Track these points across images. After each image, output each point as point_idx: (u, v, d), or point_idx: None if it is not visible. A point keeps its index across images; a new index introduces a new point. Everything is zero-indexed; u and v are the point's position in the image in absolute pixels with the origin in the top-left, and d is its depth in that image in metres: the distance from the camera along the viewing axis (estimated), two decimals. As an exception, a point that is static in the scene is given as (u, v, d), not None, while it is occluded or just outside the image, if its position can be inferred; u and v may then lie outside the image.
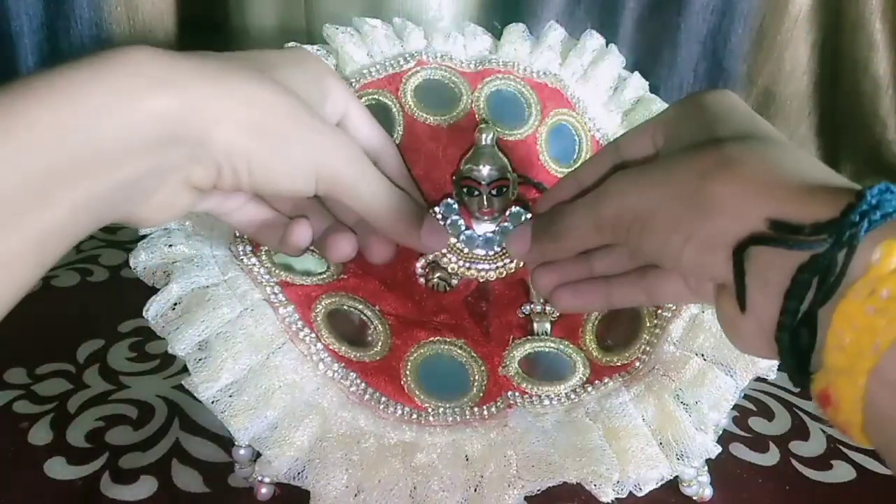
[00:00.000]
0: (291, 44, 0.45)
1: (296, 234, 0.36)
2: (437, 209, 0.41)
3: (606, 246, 0.33)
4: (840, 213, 0.22)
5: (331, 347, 0.38)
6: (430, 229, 0.37)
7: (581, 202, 0.32)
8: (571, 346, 0.41)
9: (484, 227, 0.41)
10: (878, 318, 0.20)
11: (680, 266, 0.28)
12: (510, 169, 0.40)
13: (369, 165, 0.35)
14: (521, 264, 0.41)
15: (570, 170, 0.46)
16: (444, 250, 0.41)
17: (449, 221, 0.41)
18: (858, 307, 0.21)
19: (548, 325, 0.42)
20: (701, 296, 0.31)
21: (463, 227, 0.41)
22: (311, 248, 0.40)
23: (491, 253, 0.41)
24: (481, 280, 0.42)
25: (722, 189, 0.26)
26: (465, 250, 0.41)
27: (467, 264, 0.41)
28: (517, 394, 0.39)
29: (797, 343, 0.23)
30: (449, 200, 0.40)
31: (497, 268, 0.41)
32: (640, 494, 0.35)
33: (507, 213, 0.41)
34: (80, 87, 0.26)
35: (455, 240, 0.41)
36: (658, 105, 0.49)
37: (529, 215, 0.41)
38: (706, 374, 0.36)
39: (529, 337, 0.42)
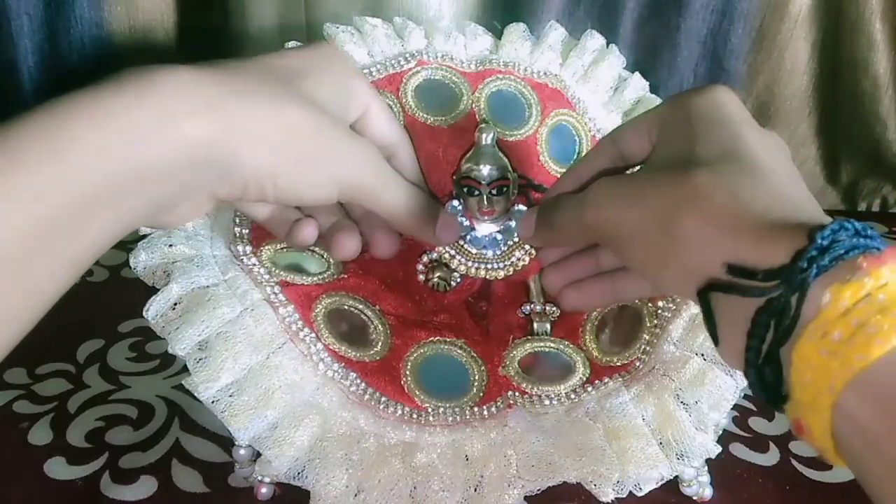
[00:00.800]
0: (291, 43, 0.45)
1: (302, 232, 0.37)
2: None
3: None
4: (791, 258, 0.23)
5: (331, 347, 0.38)
6: (444, 224, 0.39)
7: (569, 202, 0.33)
8: (571, 346, 0.41)
9: (484, 228, 0.41)
10: (830, 359, 0.21)
11: (658, 288, 0.29)
12: (510, 169, 0.40)
13: (389, 171, 0.36)
14: (528, 262, 0.41)
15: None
16: (453, 252, 0.41)
17: (466, 236, 0.41)
18: (813, 349, 0.22)
19: (548, 325, 0.42)
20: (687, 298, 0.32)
21: (470, 229, 0.41)
22: (313, 248, 0.40)
23: (498, 252, 0.42)
24: (490, 279, 0.42)
25: (690, 224, 0.26)
26: (473, 251, 0.42)
27: (476, 264, 0.42)
28: (517, 394, 0.39)
29: (763, 378, 0.24)
30: (454, 202, 0.40)
31: (505, 266, 0.42)
32: (640, 494, 0.34)
33: (512, 210, 0.41)
34: (126, 109, 0.26)
35: (462, 241, 0.41)
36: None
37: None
38: (706, 374, 0.36)
39: (529, 337, 0.42)
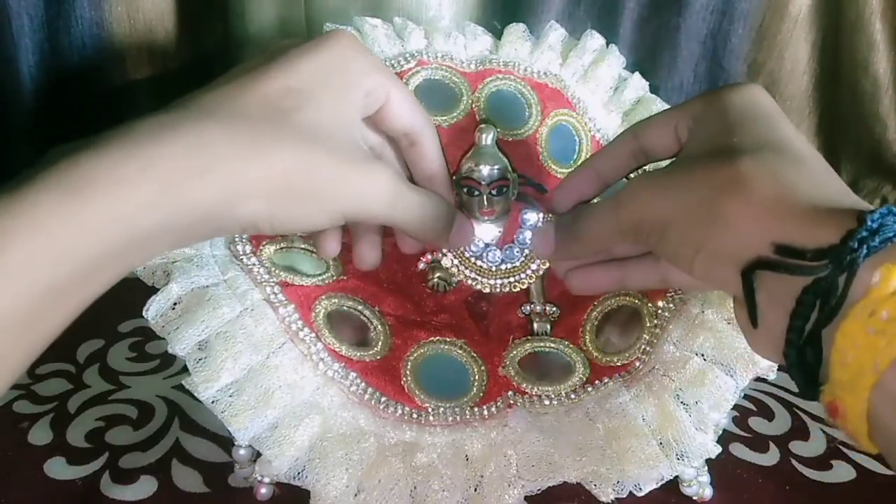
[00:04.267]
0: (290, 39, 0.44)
1: (324, 248, 0.37)
2: None
3: None
4: (841, 238, 0.24)
5: (331, 347, 0.38)
6: (459, 229, 0.38)
7: (601, 206, 0.33)
8: (571, 346, 0.41)
9: (484, 228, 0.41)
10: (878, 338, 0.22)
11: (692, 273, 0.29)
12: (510, 169, 0.40)
13: (398, 191, 0.34)
14: (542, 273, 0.41)
15: (570, 170, 0.46)
16: (474, 275, 0.41)
17: (470, 245, 0.41)
18: (860, 327, 0.22)
19: (548, 325, 0.42)
20: (714, 287, 0.32)
21: (482, 246, 0.41)
22: (312, 248, 0.40)
23: (517, 264, 0.41)
24: (515, 291, 0.41)
25: (733, 207, 0.27)
26: (493, 268, 0.41)
27: (500, 281, 0.41)
28: (517, 394, 0.39)
29: (804, 359, 0.24)
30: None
31: (524, 277, 0.41)
32: (640, 494, 0.35)
33: (521, 218, 0.40)
34: (136, 175, 0.26)
35: (481, 262, 0.41)
36: (658, 105, 0.49)
37: (544, 216, 0.40)
38: (706, 374, 0.36)
39: (529, 337, 0.42)
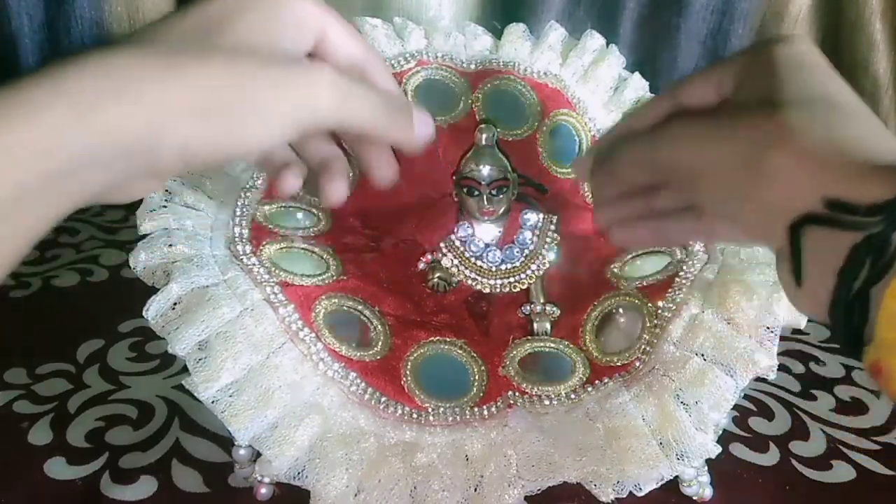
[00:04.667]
0: None
1: (283, 184, 0.34)
2: (454, 236, 0.41)
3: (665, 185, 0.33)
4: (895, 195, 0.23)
5: (331, 347, 0.38)
6: (420, 121, 0.35)
7: (640, 139, 0.32)
8: (571, 346, 0.41)
9: (484, 228, 0.41)
10: None
11: (738, 225, 0.28)
12: (510, 169, 0.40)
13: (348, 85, 0.32)
14: (542, 273, 0.41)
15: (569, 170, 0.46)
16: (473, 275, 0.41)
17: (469, 244, 0.41)
18: None
19: (548, 325, 0.42)
20: (758, 241, 0.31)
21: (483, 246, 0.41)
22: (312, 249, 0.40)
23: (517, 264, 0.41)
24: (515, 292, 0.41)
25: (781, 161, 0.26)
26: (493, 268, 0.41)
27: (499, 281, 0.41)
28: (517, 394, 0.39)
29: (850, 318, 0.24)
30: (465, 224, 0.40)
31: (524, 277, 0.41)
32: (640, 494, 0.34)
33: (521, 218, 0.40)
34: (46, 98, 0.25)
35: (480, 262, 0.41)
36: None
37: (544, 216, 0.40)
38: (706, 374, 0.36)
39: (529, 337, 0.42)
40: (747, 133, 0.28)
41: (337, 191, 0.34)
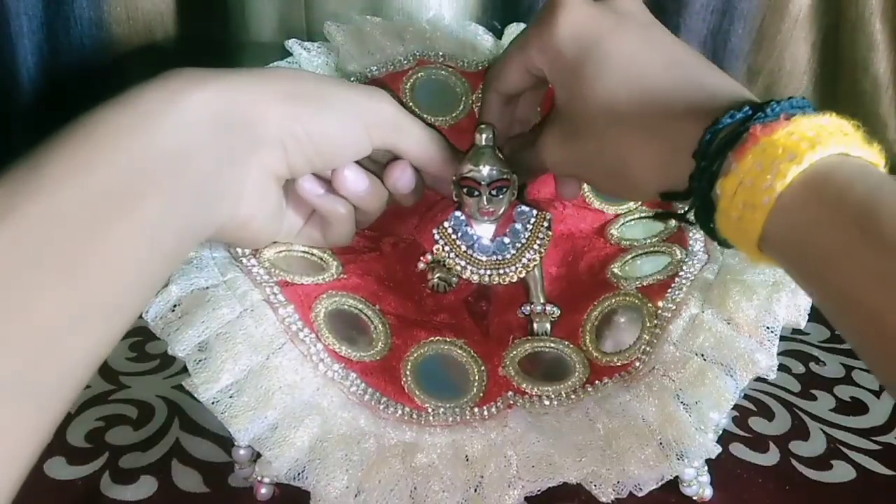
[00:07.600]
0: (291, 41, 0.45)
1: (392, 176, 0.39)
2: (446, 223, 0.41)
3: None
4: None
5: (331, 348, 0.38)
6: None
7: (526, 153, 0.40)
8: (571, 346, 0.41)
9: (484, 228, 0.41)
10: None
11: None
12: (510, 169, 0.40)
13: (403, 114, 0.38)
14: (539, 260, 0.41)
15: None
16: (463, 263, 0.41)
17: (461, 233, 0.41)
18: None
19: (548, 325, 0.42)
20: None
21: (476, 238, 0.40)
22: (312, 251, 0.40)
23: (508, 256, 0.41)
24: (504, 283, 0.41)
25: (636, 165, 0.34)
26: (483, 259, 0.41)
27: (488, 272, 0.41)
28: (517, 394, 0.39)
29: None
30: (457, 213, 0.40)
31: (517, 269, 0.41)
32: (640, 494, 0.34)
33: (515, 212, 0.40)
34: (132, 99, 0.29)
35: (472, 251, 0.41)
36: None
37: (535, 211, 0.40)
38: (706, 374, 0.36)
39: (529, 337, 0.42)
40: (595, 149, 0.35)
41: (403, 178, 0.39)
